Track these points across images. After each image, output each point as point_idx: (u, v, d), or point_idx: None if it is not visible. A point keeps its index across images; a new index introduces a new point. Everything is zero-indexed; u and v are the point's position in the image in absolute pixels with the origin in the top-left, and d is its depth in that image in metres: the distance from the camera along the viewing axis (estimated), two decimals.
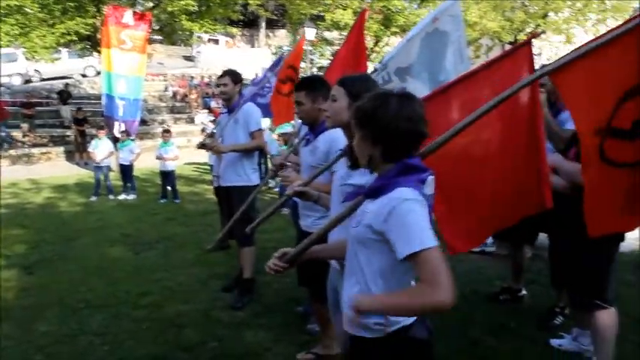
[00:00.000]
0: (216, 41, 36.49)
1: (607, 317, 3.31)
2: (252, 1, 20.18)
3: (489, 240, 6.13)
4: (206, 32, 22.49)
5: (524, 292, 4.81)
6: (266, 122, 11.05)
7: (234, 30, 25.39)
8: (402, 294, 1.85)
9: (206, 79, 29.13)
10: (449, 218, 2.99)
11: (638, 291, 4.84)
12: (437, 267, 1.68)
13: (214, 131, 6.14)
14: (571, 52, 2.39)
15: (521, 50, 3.06)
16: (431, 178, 1.92)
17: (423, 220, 1.77)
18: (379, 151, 1.92)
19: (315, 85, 3.48)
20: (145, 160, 13.03)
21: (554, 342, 3.98)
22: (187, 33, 20.91)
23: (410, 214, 1.77)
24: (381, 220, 1.82)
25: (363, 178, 2.34)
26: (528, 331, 4.23)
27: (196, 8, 18.92)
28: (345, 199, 2.20)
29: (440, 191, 2.74)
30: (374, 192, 1.93)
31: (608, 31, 2.34)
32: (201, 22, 19.48)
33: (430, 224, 1.81)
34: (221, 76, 5.32)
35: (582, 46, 2.38)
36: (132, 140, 12.06)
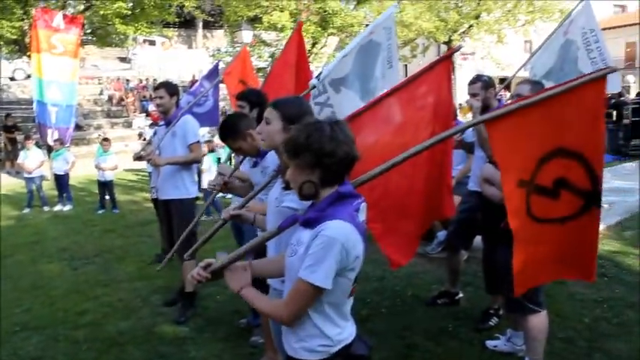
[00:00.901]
0: (152, 42, 35.75)
1: (538, 319, 3.49)
2: (188, 3, 19.87)
3: (434, 244, 6.33)
4: (141, 34, 22.08)
5: (460, 294, 4.98)
6: (202, 130, 10.99)
7: (169, 32, 25.00)
8: (265, 299, 2.19)
9: (143, 82, 28.53)
10: (386, 234, 3.13)
11: (566, 289, 5.08)
12: (301, 299, 1.93)
13: (151, 138, 6.05)
14: (505, 105, 2.56)
15: (441, 65, 3.22)
16: (363, 205, 2.03)
17: (330, 261, 1.87)
18: (317, 177, 1.99)
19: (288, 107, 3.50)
20: (82, 167, 12.69)
21: (490, 343, 4.14)
22: (122, 36, 20.44)
23: (324, 250, 1.87)
24: (310, 247, 1.92)
25: (299, 201, 2.39)
26: (466, 333, 4.38)
27: (130, 11, 18.47)
28: (281, 225, 2.24)
29: (374, 209, 2.89)
30: (310, 223, 2.00)
31: (541, 91, 2.51)
32: (136, 24, 19.08)
33: (361, 252, 1.96)
34: (156, 89, 5.26)
35: (516, 100, 2.54)
36: (66, 149, 11.71)
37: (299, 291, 1.92)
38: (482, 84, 4.38)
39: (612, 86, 6.15)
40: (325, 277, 1.87)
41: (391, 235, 3.16)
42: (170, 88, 5.20)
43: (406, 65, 29.92)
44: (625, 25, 44.89)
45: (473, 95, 4.40)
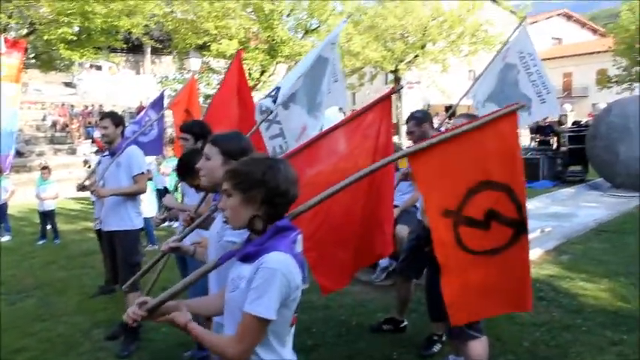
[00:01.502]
0: (99, 67, 35.20)
1: (479, 346, 3.59)
2: (135, 30, 19.68)
3: (378, 271, 6.41)
4: (87, 60, 21.72)
5: (405, 322, 5.06)
6: (150, 158, 10.87)
7: (116, 59, 24.66)
8: (214, 335, 2.17)
9: (89, 108, 27.95)
10: (319, 263, 3.24)
11: (508, 314, 5.23)
12: (251, 334, 1.95)
13: (95, 168, 5.96)
14: (430, 139, 2.61)
15: (382, 104, 3.38)
16: (300, 237, 2.10)
17: (274, 292, 1.92)
18: (264, 213, 2.05)
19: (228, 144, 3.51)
20: (22, 195, 12.29)
21: None
22: (67, 61, 20.05)
23: (267, 282, 1.92)
24: (252, 281, 1.96)
25: (241, 235, 2.42)
26: None
27: (75, 36, 18.16)
28: (219, 260, 2.26)
29: (310, 239, 2.98)
30: (248, 257, 2.04)
31: (464, 123, 2.61)
32: (82, 50, 18.76)
33: (300, 282, 2.02)
34: (101, 119, 5.23)
35: (439, 134, 2.65)
36: (6, 177, 11.34)
37: (248, 326, 1.94)
38: (414, 122, 4.60)
39: (551, 111, 6.45)
40: (270, 308, 1.91)
41: (325, 263, 3.24)
42: (115, 118, 5.18)
43: (354, 93, 30.46)
44: (562, 57, 47.06)
45: (409, 133, 4.62)
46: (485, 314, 2.98)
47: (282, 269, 1.94)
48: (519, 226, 2.66)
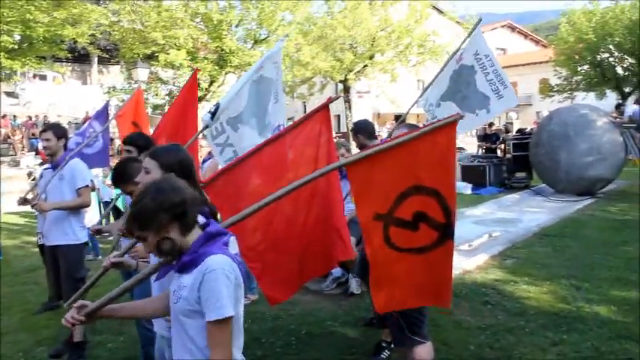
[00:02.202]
0: (43, 77, 34.24)
1: (424, 351, 3.65)
2: (81, 39, 19.27)
3: (329, 281, 6.45)
4: (30, 69, 21.14)
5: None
6: (97, 170, 10.65)
7: (61, 69, 24.06)
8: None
9: (32, 119, 27.13)
10: (264, 274, 3.27)
11: (453, 318, 5.36)
12: (224, 338, 2.01)
13: (37, 181, 5.82)
14: (366, 150, 2.77)
15: (320, 113, 3.46)
16: (232, 239, 2.17)
17: (224, 290, 1.98)
18: (177, 229, 2.06)
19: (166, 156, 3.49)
20: None
21: None
22: (8, 71, 19.45)
23: (215, 284, 1.98)
24: (196, 290, 2.01)
25: None
26: None
27: (17, 45, 17.64)
28: (157, 277, 2.28)
29: (252, 250, 3.02)
30: (186, 267, 2.07)
31: (404, 133, 2.76)
32: (24, 59, 18.25)
33: (242, 280, 2.09)
34: (43, 131, 5.13)
35: (376, 145, 2.83)
36: None
37: (216, 332, 1.99)
38: (352, 132, 4.74)
39: (510, 103, 6.60)
40: (227, 307, 1.96)
41: (270, 274, 3.28)
42: (58, 130, 5.08)
43: (304, 103, 30.61)
44: (507, 67, 48.39)
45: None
46: (409, 304, 3.12)
47: (225, 267, 2.00)
48: (445, 230, 2.81)
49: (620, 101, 22.55)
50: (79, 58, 34.72)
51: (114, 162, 10.46)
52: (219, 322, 1.97)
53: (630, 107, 14.23)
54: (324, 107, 3.51)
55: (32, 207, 5.21)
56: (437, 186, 2.74)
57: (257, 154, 3.41)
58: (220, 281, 1.97)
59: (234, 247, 2.13)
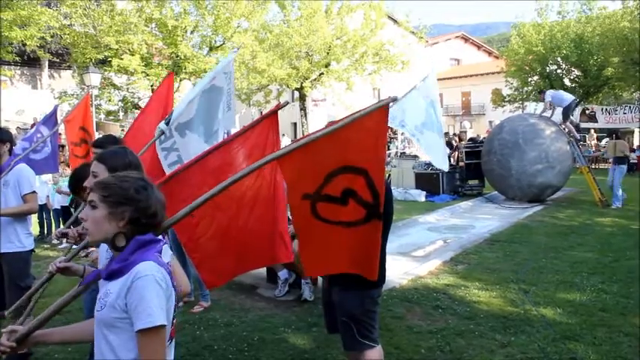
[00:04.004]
0: None
1: (375, 354, 3.67)
2: (30, 42, 18.76)
3: (280, 286, 6.44)
4: None
5: None
6: (47, 176, 10.39)
7: (9, 72, 23.36)
8: None
9: None
10: (202, 262, 3.34)
11: (405, 323, 5.43)
12: (156, 348, 1.88)
13: None
14: (296, 140, 2.83)
15: (269, 119, 3.55)
16: (165, 247, 2.08)
17: (155, 297, 1.87)
18: (129, 231, 2.00)
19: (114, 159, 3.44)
20: None
21: None
22: None
23: (145, 290, 1.86)
24: (123, 296, 1.89)
25: None
26: None
27: None
28: (84, 281, 2.21)
29: (195, 242, 3.15)
30: (114, 274, 1.97)
31: (334, 122, 2.80)
32: None
33: (173, 291, 2.00)
34: None
35: (305, 136, 2.86)
36: None
37: (147, 342, 1.86)
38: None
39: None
40: (158, 315, 1.85)
41: (209, 262, 3.35)
42: (2, 134, 4.92)
43: (261, 110, 30.59)
44: (460, 77, 49.50)
45: None
46: (337, 270, 3.20)
47: (156, 275, 1.90)
48: (373, 210, 2.89)
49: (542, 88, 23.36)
50: (29, 61, 33.78)
51: (63, 168, 10.25)
52: (149, 332, 1.84)
53: (549, 93, 14.82)
54: (273, 113, 3.56)
55: None
56: (366, 166, 2.80)
57: (205, 159, 3.44)
58: (150, 288, 1.86)
59: (166, 255, 2.05)
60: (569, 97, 14.74)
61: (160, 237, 2.10)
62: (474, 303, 6.01)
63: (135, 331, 1.86)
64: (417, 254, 8.58)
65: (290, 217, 3.17)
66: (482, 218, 12.25)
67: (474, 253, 8.47)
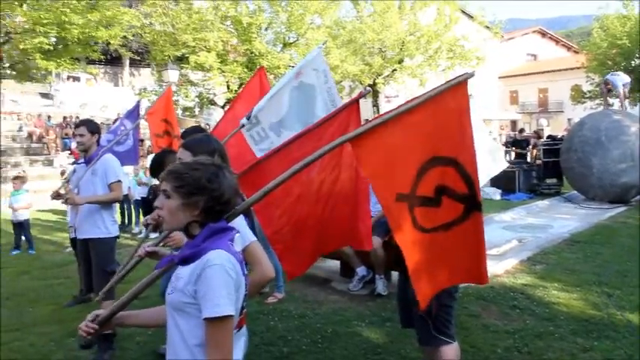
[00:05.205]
0: (76, 79, 34.94)
1: (451, 351, 3.61)
2: (113, 41, 19.62)
3: (355, 281, 6.43)
4: (64, 70, 21.57)
5: None
6: (128, 169, 10.83)
7: (94, 70, 24.51)
8: None
9: (66, 119, 27.66)
10: (285, 253, 3.37)
11: (480, 321, 5.30)
12: (223, 337, 1.87)
13: (69, 177, 5.92)
14: (372, 119, 2.60)
15: (349, 108, 3.47)
16: (238, 236, 2.07)
17: (224, 287, 1.86)
18: (201, 218, 2.01)
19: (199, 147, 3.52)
20: None
21: None
22: (43, 71, 19.89)
23: (214, 280, 1.86)
24: (193, 282, 1.90)
25: None
26: None
27: (52, 46, 18.02)
28: (157, 266, 2.24)
29: (277, 233, 3.06)
30: (187, 260, 1.98)
31: (408, 101, 2.58)
32: (58, 60, 18.61)
33: (243, 281, 1.98)
34: (77, 126, 5.22)
35: (383, 114, 2.58)
36: None
37: (214, 331, 1.86)
38: None
39: None
40: (227, 305, 1.85)
41: (290, 252, 3.39)
42: (91, 125, 5.17)
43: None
44: (537, 73, 47.86)
45: None
46: (446, 284, 2.94)
47: (224, 265, 1.89)
48: (470, 202, 2.65)
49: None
50: (112, 60, 35.41)
51: (143, 161, 10.66)
52: (215, 321, 1.84)
53: (618, 80, 14.28)
54: (354, 102, 3.52)
55: (65, 201, 5.30)
56: (454, 154, 2.59)
57: (284, 150, 3.45)
58: (220, 278, 1.86)
59: (238, 244, 2.06)
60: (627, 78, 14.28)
61: (232, 227, 2.08)
62: (553, 304, 5.79)
63: (202, 318, 1.87)
64: (492, 252, 8.35)
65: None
66: (561, 218, 11.79)
67: (552, 253, 8.16)
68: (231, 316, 1.87)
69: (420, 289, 2.69)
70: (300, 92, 5.00)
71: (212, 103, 24.18)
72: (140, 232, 11.22)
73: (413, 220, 2.57)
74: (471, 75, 2.63)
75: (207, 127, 16.39)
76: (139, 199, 11.11)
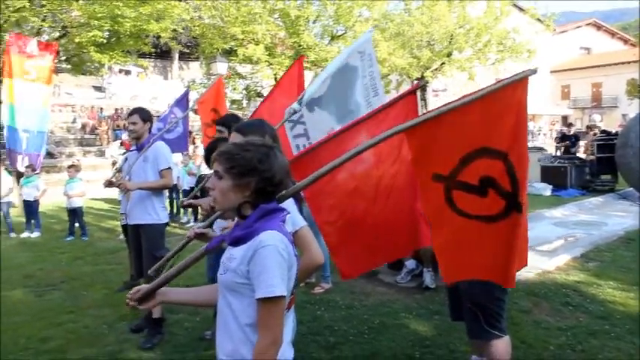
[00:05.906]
0: (127, 72, 35.70)
1: (502, 345, 3.52)
2: (164, 34, 19.96)
3: (403, 273, 6.38)
4: (116, 64, 22.06)
5: None
6: (177, 157, 11.01)
7: (144, 63, 25.00)
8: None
9: (118, 111, 28.36)
10: (339, 248, 3.28)
11: (531, 318, 5.17)
12: (274, 317, 1.89)
13: (122, 165, 6.04)
14: (428, 111, 2.59)
15: (406, 99, 3.37)
16: (289, 217, 2.08)
17: (277, 268, 1.88)
18: (253, 199, 2.01)
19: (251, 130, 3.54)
20: (52, 195, 12.50)
21: None
22: (96, 64, 20.38)
23: (267, 260, 1.88)
24: (246, 262, 1.91)
25: None
26: None
27: (105, 40, 18.47)
28: (208, 245, 2.24)
29: (331, 225, 3.00)
30: (238, 241, 1.99)
31: (464, 96, 2.54)
32: (111, 53, 19.04)
33: (295, 261, 1.99)
34: (130, 114, 5.31)
35: (441, 106, 2.56)
36: (37, 175, 11.55)
37: (266, 311, 1.88)
38: None
39: None
40: (279, 285, 1.87)
41: (344, 249, 3.28)
42: (143, 114, 5.25)
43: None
44: (591, 67, 46.42)
45: None
46: (474, 276, 2.90)
47: (278, 245, 1.90)
48: (512, 200, 2.59)
49: None
50: (161, 54, 36.00)
51: (193, 150, 10.83)
52: (268, 301, 1.86)
53: None
54: (411, 93, 3.42)
55: (117, 187, 5.41)
56: (506, 149, 2.53)
57: (337, 139, 3.38)
58: (273, 258, 1.87)
59: (289, 225, 2.04)
60: None
61: (283, 208, 2.08)
62: (608, 302, 5.59)
63: (255, 298, 1.89)
64: (542, 248, 8.14)
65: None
66: (615, 215, 11.39)
67: (607, 250, 7.89)
68: (283, 296, 1.89)
69: (443, 263, 2.76)
70: (343, 74, 4.96)
71: (259, 95, 24.36)
72: (188, 222, 11.41)
73: (448, 201, 2.59)
74: (534, 71, 2.54)
75: None
76: (188, 189, 11.29)
